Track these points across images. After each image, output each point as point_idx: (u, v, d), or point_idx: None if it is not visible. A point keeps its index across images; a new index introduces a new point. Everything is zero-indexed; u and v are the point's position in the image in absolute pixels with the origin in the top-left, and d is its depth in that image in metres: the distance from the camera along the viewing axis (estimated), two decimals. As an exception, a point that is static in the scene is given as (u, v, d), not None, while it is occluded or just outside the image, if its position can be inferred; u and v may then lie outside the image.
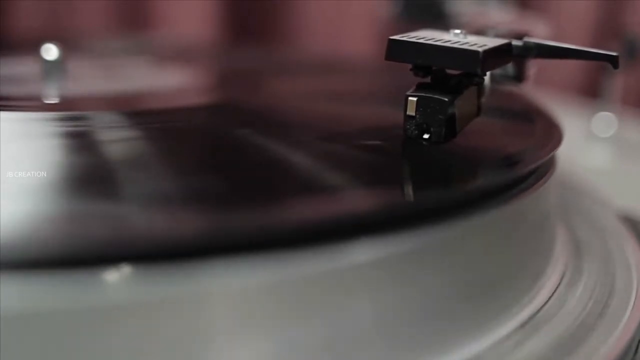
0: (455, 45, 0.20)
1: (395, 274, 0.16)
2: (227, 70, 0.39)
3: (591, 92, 0.54)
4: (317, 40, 0.63)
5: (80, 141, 0.22)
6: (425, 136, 0.20)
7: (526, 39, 0.22)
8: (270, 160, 0.20)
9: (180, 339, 0.14)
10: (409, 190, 0.19)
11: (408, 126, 0.20)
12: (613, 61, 0.21)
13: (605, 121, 0.42)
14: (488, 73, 0.22)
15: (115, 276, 0.13)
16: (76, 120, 0.24)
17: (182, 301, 0.14)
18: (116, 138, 0.22)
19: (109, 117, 0.24)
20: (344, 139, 0.22)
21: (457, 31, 0.21)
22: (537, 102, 0.28)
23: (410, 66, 0.21)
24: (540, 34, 0.28)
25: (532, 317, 0.19)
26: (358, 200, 0.17)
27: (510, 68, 0.25)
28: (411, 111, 0.20)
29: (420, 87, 0.21)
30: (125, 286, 0.13)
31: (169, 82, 0.33)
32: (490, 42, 0.20)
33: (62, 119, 0.24)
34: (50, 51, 0.30)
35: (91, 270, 0.13)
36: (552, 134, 0.23)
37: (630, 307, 0.20)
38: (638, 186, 0.35)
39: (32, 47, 0.31)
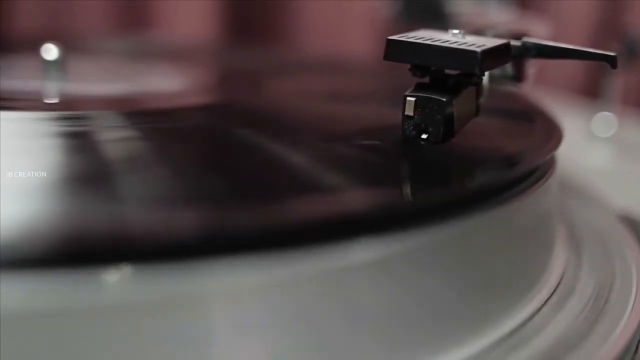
0: (454, 46, 0.20)
1: (395, 274, 0.16)
2: (227, 70, 0.39)
3: (591, 92, 0.54)
4: (317, 40, 0.63)
5: (80, 141, 0.22)
6: (424, 136, 0.20)
7: (525, 39, 0.22)
8: (270, 160, 0.20)
9: (180, 339, 0.14)
10: (408, 190, 0.19)
11: (406, 126, 0.20)
12: (611, 61, 0.21)
13: (605, 121, 0.42)
14: (487, 73, 0.22)
15: (115, 276, 0.13)
16: (76, 120, 0.24)
17: (182, 301, 0.14)
18: (116, 138, 0.22)
19: (109, 117, 0.24)
20: (343, 139, 0.22)
21: (456, 31, 0.21)
22: (537, 102, 0.28)
23: (409, 66, 0.21)
24: (539, 34, 0.28)
25: (531, 317, 0.19)
26: (356, 200, 0.17)
27: (509, 68, 0.25)
28: (409, 111, 0.20)
29: (418, 87, 0.21)
30: (125, 286, 0.13)
31: (169, 82, 0.33)
32: (489, 42, 0.20)
33: (62, 119, 0.24)
34: (50, 51, 0.30)
35: (91, 270, 0.13)
36: (552, 134, 0.23)
37: (630, 307, 0.20)
38: (638, 186, 0.35)
39: (32, 47, 0.31)
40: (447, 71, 0.21)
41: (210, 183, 0.18)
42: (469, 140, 0.21)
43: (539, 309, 0.19)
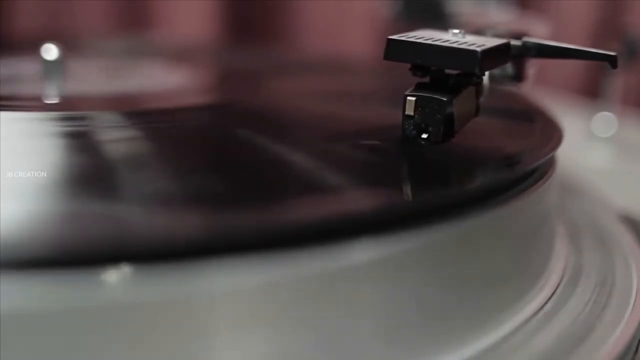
0: (454, 45, 0.20)
1: (395, 274, 0.16)
2: (227, 70, 0.39)
3: (591, 92, 0.54)
4: (317, 40, 0.63)
5: (80, 141, 0.22)
6: (424, 136, 0.20)
7: (525, 39, 0.22)
8: (270, 160, 0.20)
9: (180, 339, 0.14)
10: (408, 190, 0.19)
11: (406, 126, 0.20)
12: (612, 61, 0.21)
13: (605, 121, 0.42)
14: (487, 73, 0.22)
15: (115, 276, 0.13)
16: (76, 120, 0.24)
17: (182, 301, 0.14)
18: (116, 138, 0.22)
19: (109, 117, 0.24)
20: (343, 139, 0.22)
21: (456, 31, 0.21)
22: (537, 102, 0.28)
23: (409, 66, 0.21)
24: (539, 33, 0.28)
25: (531, 317, 0.19)
26: (356, 200, 0.17)
27: (509, 68, 0.25)
28: (410, 111, 0.20)
29: (419, 86, 0.21)
30: (125, 286, 0.13)
31: (169, 82, 0.33)
32: (489, 42, 0.20)
33: (62, 119, 0.24)
34: (50, 51, 0.30)
35: (91, 270, 0.13)
36: (552, 134, 0.23)
37: (630, 307, 0.20)
38: (638, 186, 0.35)
39: (32, 47, 0.31)
40: (447, 71, 0.21)
41: (210, 183, 0.18)
42: (469, 140, 0.21)
43: (539, 309, 0.19)
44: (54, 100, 0.30)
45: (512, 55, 0.22)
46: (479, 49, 0.19)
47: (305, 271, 0.15)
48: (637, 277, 0.22)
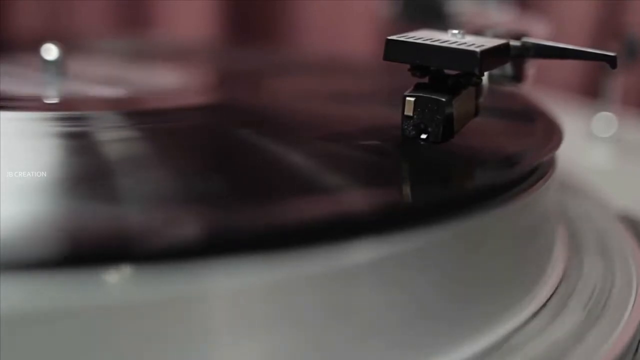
0: (453, 46, 0.20)
1: (394, 275, 0.16)
2: (227, 70, 0.39)
3: (591, 92, 0.54)
4: (317, 40, 0.63)
5: (80, 141, 0.22)
6: (423, 136, 0.20)
7: (524, 39, 0.22)
8: (270, 160, 0.20)
9: (179, 339, 0.14)
10: (407, 190, 0.19)
11: (406, 126, 0.20)
12: (611, 61, 0.21)
13: (605, 121, 0.42)
14: (486, 73, 0.22)
15: (115, 276, 0.13)
16: (76, 120, 0.24)
17: (182, 301, 0.14)
18: (116, 138, 0.22)
19: (108, 117, 0.24)
20: (342, 139, 0.22)
21: (456, 31, 0.21)
22: (537, 102, 0.28)
23: (408, 66, 0.21)
24: (539, 34, 0.28)
25: (531, 317, 0.19)
26: (356, 200, 0.17)
27: (508, 68, 0.25)
28: (409, 111, 0.20)
29: (418, 87, 0.21)
30: (125, 286, 0.13)
31: (169, 82, 0.33)
32: (489, 42, 0.20)
33: (62, 119, 0.24)
34: (50, 51, 0.30)
35: (91, 270, 0.13)
36: (552, 134, 0.23)
37: (630, 307, 0.20)
38: (638, 186, 0.35)
39: (32, 47, 0.31)
40: (446, 71, 0.21)
41: (210, 183, 0.18)
42: (469, 140, 0.21)
43: (539, 310, 0.19)
44: (54, 100, 0.30)
45: (511, 56, 0.22)
46: (478, 50, 0.19)
47: (305, 272, 0.15)
48: (637, 277, 0.22)
